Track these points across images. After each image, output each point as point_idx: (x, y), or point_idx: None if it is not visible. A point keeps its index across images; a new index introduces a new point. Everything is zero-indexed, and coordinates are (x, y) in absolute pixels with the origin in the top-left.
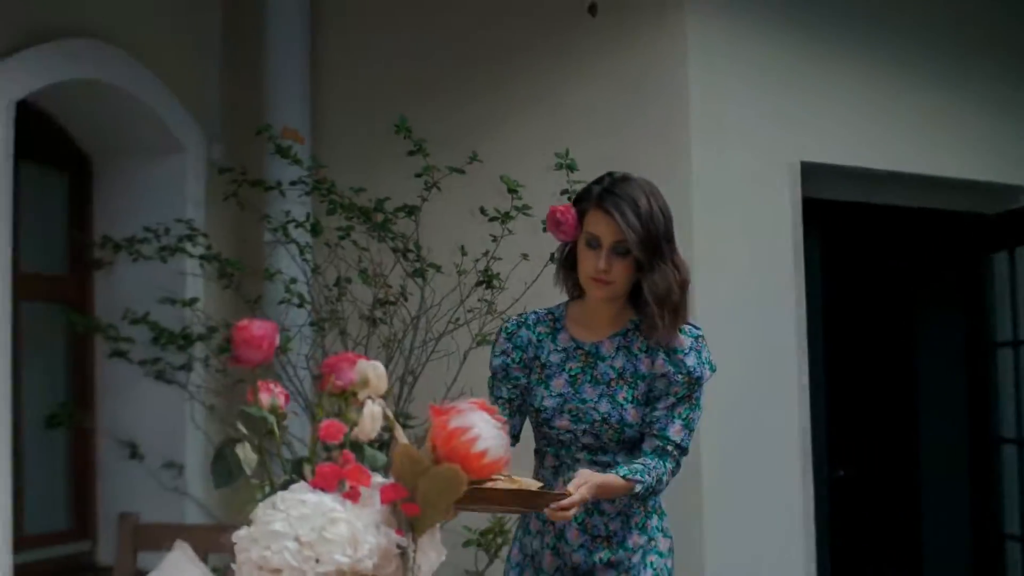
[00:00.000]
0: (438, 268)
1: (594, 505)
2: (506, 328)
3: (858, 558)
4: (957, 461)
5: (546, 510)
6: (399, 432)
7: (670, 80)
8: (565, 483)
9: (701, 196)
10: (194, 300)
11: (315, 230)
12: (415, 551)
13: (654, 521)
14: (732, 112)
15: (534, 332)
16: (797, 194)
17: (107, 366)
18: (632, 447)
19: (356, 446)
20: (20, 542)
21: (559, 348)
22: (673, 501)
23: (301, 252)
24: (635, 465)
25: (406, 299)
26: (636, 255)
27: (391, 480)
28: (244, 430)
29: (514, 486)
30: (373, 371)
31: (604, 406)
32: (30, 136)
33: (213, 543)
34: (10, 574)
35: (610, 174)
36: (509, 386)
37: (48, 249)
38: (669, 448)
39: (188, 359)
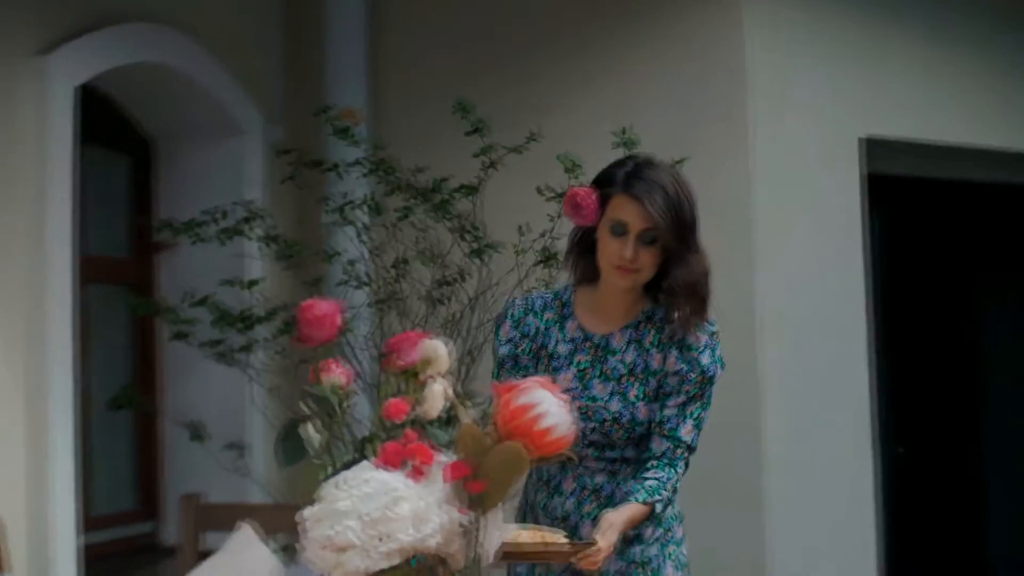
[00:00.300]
0: (497, 248)
1: (608, 498)
2: (512, 315)
3: (920, 536)
4: (1022, 438)
5: (578, 562)
6: (462, 411)
7: (731, 56)
8: (576, 480)
9: (763, 172)
10: (255, 282)
11: (375, 210)
12: (479, 529)
13: (668, 510)
14: (794, 88)
15: (541, 319)
16: (860, 170)
17: (170, 348)
18: (640, 441)
19: (420, 425)
20: (87, 523)
21: (567, 338)
22: (735, 476)
23: (361, 232)
24: (649, 483)
25: (465, 279)
26: (665, 243)
27: (455, 458)
28: (309, 409)
29: (540, 540)
30: (437, 350)
31: (615, 405)
32: (93, 120)
33: (277, 523)
34: (77, 556)
35: (632, 157)
36: (520, 375)
37: (111, 232)
38: (679, 451)
39: (250, 340)
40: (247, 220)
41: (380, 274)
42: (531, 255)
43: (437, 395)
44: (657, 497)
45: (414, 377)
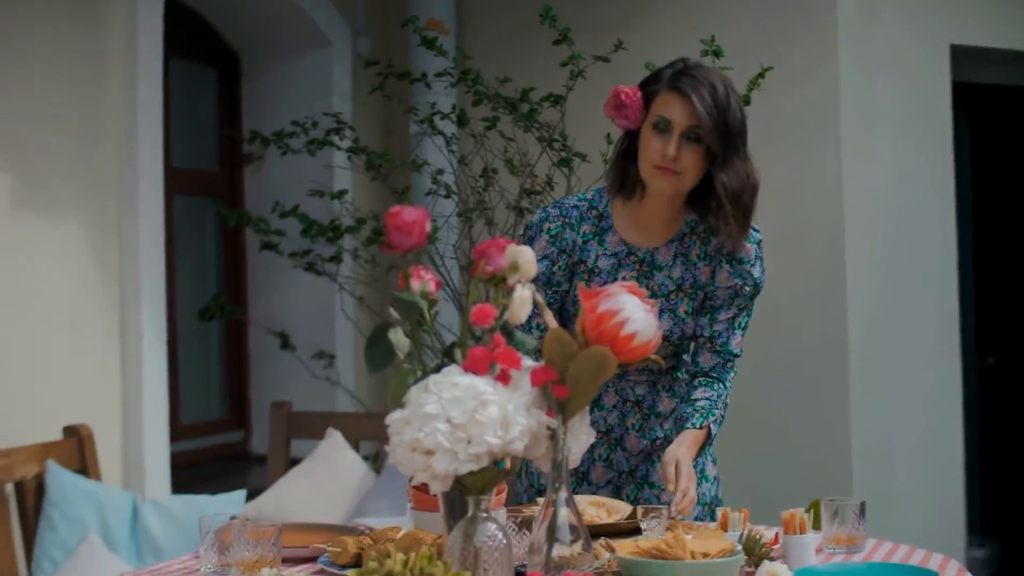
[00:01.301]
0: (584, 157)
1: (649, 408)
2: (548, 230)
3: (1009, 448)
4: None
5: (676, 511)
6: (548, 316)
7: None
8: (617, 393)
9: (849, 81)
10: (342, 192)
11: (461, 121)
12: (565, 433)
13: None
14: None
15: (578, 232)
16: (947, 78)
17: (258, 259)
18: (681, 349)
19: (506, 330)
20: (176, 432)
21: (608, 252)
22: (821, 384)
23: (447, 143)
24: (701, 404)
25: (552, 188)
26: (709, 143)
27: (541, 363)
28: (397, 315)
29: (607, 517)
30: (523, 255)
31: (665, 323)
32: (180, 34)
33: (364, 430)
34: (168, 463)
35: (683, 59)
36: (551, 291)
37: (199, 145)
38: (729, 365)
39: (337, 251)
40: (335, 131)
41: (467, 184)
42: None
43: (524, 300)
44: (712, 418)
45: (501, 283)
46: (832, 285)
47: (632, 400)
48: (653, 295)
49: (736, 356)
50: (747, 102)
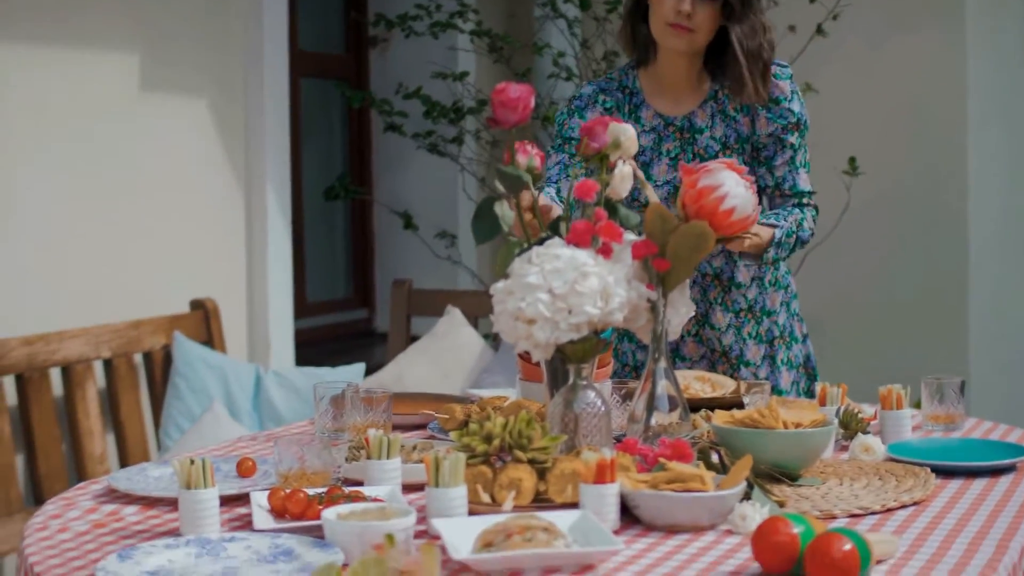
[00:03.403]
0: None
1: (729, 280)
2: (604, 102)
3: None
4: None
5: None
6: (650, 191)
7: None
8: (695, 268)
9: None
10: (464, 74)
11: (583, 4)
12: (665, 305)
13: (782, 269)
14: None
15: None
16: None
17: (382, 140)
18: None
19: (609, 205)
20: (302, 309)
21: (647, 128)
22: (939, 264)
23: (570, 26)
24: (773, 212)
25: None
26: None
27: (642, 237)
28: (503, 188)
29: (712, 391)
30: (624, 134)
31: None
32: None
33: (484, 308)
34: (292, 339)
35: None
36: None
37: (325, 28)
38: (805, 200)
39: (459, 132)
40: (458, 14)
41: (588, 67)
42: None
43: (625, 176)
44: (782, 223)
45: (605, 159)
46: (953, 164)
47: (711, 274)
48: (701, 159)
49: (809, 192)
50: None
